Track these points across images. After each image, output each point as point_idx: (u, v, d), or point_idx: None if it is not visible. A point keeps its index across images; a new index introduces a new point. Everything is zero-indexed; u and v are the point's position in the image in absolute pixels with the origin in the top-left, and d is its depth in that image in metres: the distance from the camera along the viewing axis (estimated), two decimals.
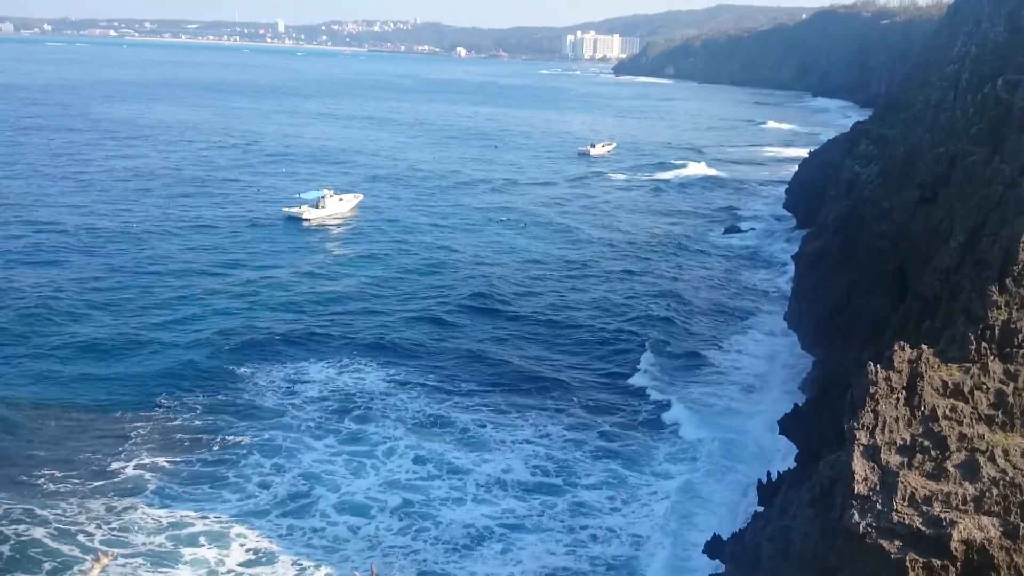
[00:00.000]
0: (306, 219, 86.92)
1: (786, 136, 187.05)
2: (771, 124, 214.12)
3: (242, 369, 49.65)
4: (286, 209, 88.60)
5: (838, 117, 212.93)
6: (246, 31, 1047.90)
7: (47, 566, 30.92)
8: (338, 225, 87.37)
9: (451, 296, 65.24)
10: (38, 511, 34.16)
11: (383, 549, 33.50)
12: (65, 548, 31.91)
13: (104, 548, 30.53)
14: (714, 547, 28.95)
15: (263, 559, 32.41)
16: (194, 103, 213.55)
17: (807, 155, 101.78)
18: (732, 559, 26.33)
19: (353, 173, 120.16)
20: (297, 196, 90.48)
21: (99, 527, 33.42)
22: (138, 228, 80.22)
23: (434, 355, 53.74)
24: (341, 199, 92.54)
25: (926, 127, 46.65)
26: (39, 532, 32.79)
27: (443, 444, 41.89)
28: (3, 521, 33.27)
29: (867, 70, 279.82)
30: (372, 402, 46.16)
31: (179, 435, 41.68)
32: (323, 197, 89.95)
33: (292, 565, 32.11)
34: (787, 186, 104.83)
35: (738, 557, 25.74)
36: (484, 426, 44.08)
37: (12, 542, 32.08)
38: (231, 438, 41.40)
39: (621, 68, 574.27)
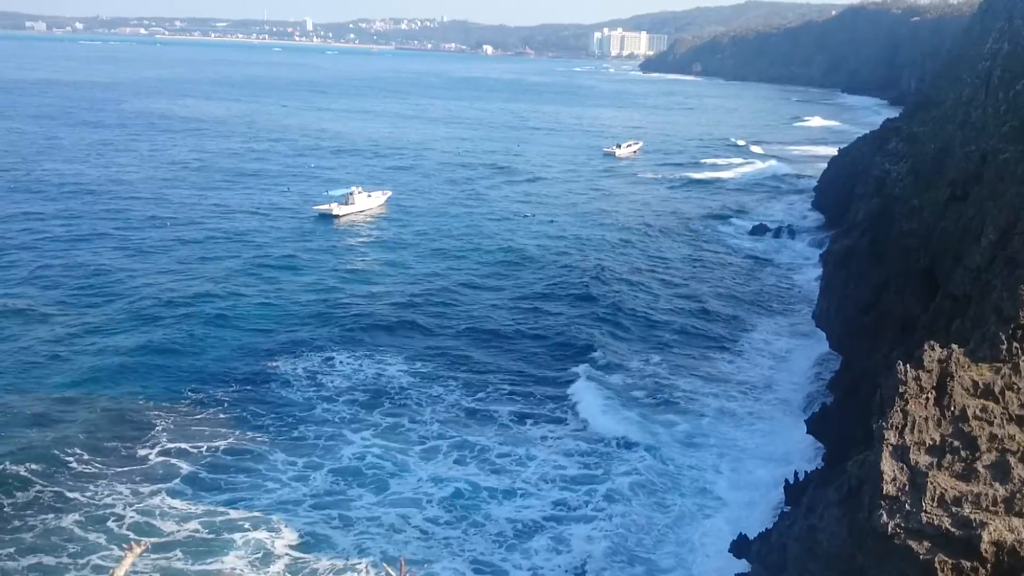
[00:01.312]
0: (336, 216, 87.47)
1: (815, 134, 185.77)
2: (801, 123, 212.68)
3: (275, 363, 50.12)
4: (316, 207, 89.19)
5: (868, 114, 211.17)
6: (275, 29, 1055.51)
7: (76, 552, 31.57)
8: (367, 222, 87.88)
9: (481, 291, 65.81)
10: (69, 497, 34.91)
11: (433, 541, 33.87)
12: (94, 536, 32.52)
13: (136, 538, 30.86)
14: (740, 546, 28.90)
15: (300, 552, 32.76)
16: (235, 99, 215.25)
17: (836, 153, 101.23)
18: (758, 558, 26.27)
19: (382, 170, 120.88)
20: (326, 194, 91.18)
21: (129, 516, 33.94)
22: (171, 223, 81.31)
23: (466, 348, 54.12)
24: (370, 196, 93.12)
25: (957, 124, 46.19)
26: (69, 519, 33.48)
27: (483, 437, 42.34)
28: (34, 507, 33.99)
29: (897, 67, 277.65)
30: (407, 395, 46.62)
31: (212, 427, 42.16)
32: (352, 194, 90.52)
33: (334, 558, 32.42)
34: (816, 184, 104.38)
35: (764, 557, 25.68)
36: (523, 420, 44.40)
37: (41, 528, 32.77)
38: (265, 430, 41.96)
39: (648, 65, 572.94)
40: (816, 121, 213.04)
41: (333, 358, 51.42)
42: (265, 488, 36.97)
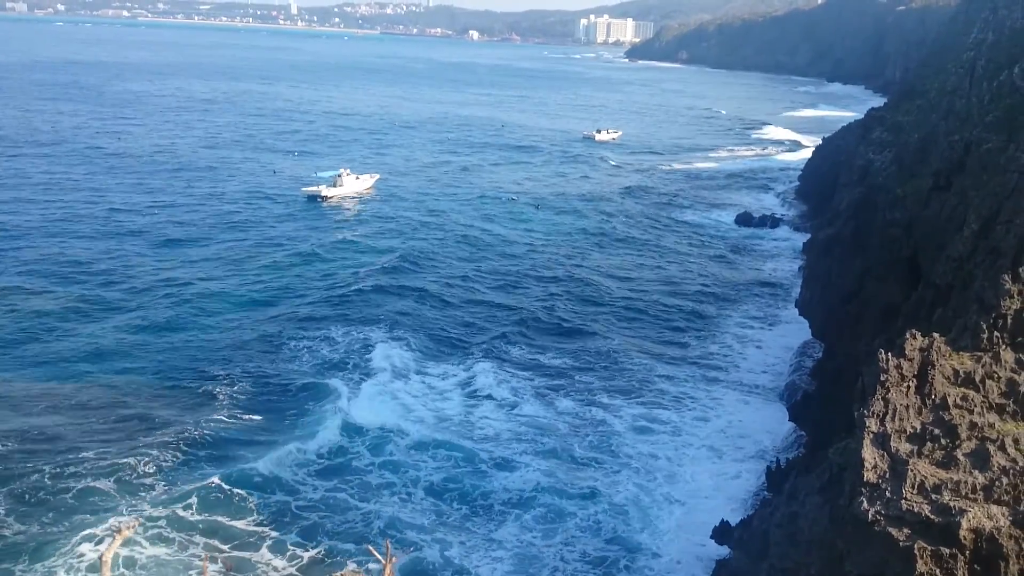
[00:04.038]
0: (324, 197, 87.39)
1: (799, 123, 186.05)
2: (786, 112, 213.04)
3: (266, 338, 50.94)
4: (304, 188, 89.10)
5: (853, 103, 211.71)
6: (259, 12, 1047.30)
7: (67, 530, 31.73)
8: (355, 203, 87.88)
9: (466, 269, 67.03)
10: (65, 476, 35.20)
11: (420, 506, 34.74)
12: (85, 517, 32.66)
13: (126, 519, 30.94)
14: (722, 532, 29.06)
15: (298, 527, 33.31)
16: (217, 84, 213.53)
17: (820, 142, 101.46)
18: (740, 544, 26.43)
19: (371, 153, 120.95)
20: (315, 175, 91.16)
21: (122, 496, 34.13)
22: (160, 207, 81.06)
23: (451, 326, 54.90)
24: (359, 178, 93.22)
25: (941, 114, 46.38)
26: (61, 499, 33.75)
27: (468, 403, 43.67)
28: (31, 487, 34.25)
29: (882, 56, 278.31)
30: (404, 380, 47.09)
31: (210, 400, 42.85)
32: (340, 176, 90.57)
33: (325, 533, 32.68)
34: (800, 173, 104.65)
35: (746, 543, 25.84)
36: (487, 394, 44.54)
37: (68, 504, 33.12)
38: (264, 401, 42.69)
39: (634, 52, 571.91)
40: (800, 111, 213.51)
41: (328, 330, 52.60)
42: (261, 459, 37.28)
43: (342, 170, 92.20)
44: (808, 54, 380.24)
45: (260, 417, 41.63)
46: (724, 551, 29.52)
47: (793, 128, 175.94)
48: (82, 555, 30.28)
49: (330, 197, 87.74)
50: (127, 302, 56.28)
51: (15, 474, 35.05)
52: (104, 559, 5.03)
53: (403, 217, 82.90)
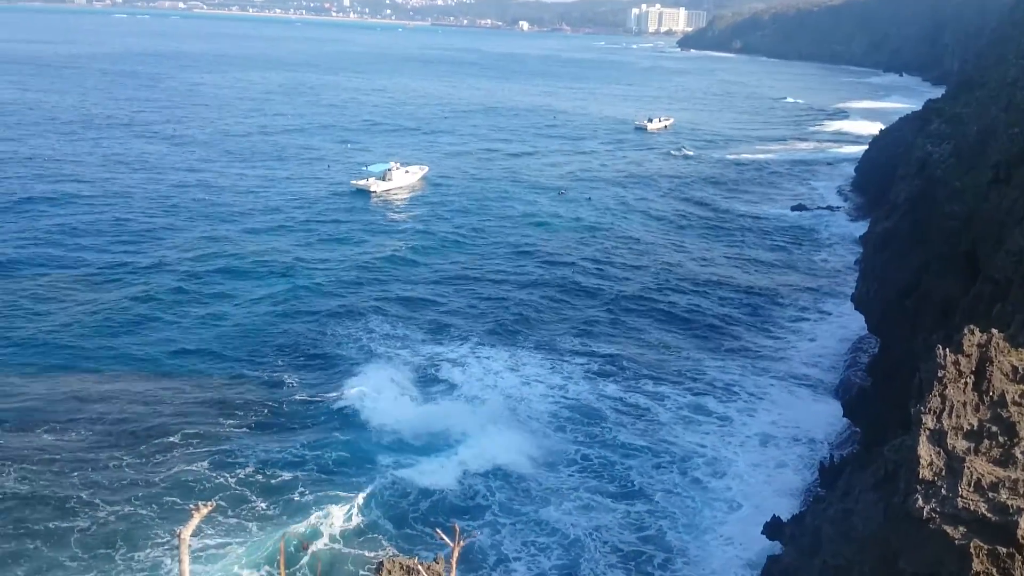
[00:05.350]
0: (373, 191, 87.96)
1: (855, 114, 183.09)
2: (842, 102, 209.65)
3: (316, 329, 51.71)
4: (354, 182, 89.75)
5: (910, 95, 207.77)
6: (312, 4, 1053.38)
7: (152, 508, 32.97)
8: (404, 197, 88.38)
9: (514, 262, 67.17)
10: (147, 457, 36.66)
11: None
12: (166, 497, 33.87)
13: (203, 500, 31.88)
14: (774, 528, 28.97)
15: (356, 513, 33.93)
16: (272, 75, 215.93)
17: (877, 133, 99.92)
18: (792, 541, 26.35)
19: (420, 143, 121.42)
20: (365, 169, 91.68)
21: (200, 477, 35.22)
22: (210, 196, 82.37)
23: (498, 316, 55.28)
24: (407, 171, 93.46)
25: (1001, 106, 45.46)
26: (149, 479, 34.94)
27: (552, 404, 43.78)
28: (145, 470, 35.59)
29: (940, 46, 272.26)
30: (460, 368, 47.66)
31: (260, 389, 43.88)
32: (389, 169, 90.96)
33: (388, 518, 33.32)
34: (857, 164, 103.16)
35: (798, 539, 25.74)
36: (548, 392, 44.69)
37: (117, 489, 33.85)
38: (314, 389, 43.38)
39: (687, 42, 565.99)
40: (856, 101, 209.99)
41: (370, 325, 52.86)
42: (315, 443, 38.43)
43: (392, 163, 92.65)
44: (864, 44, 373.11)
45: (321, 400, 42.68)
46: (774, 546, 29.44)
47: (849, 119, 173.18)
48: (169, 537, 31.41)
49: (379, 191, 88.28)
50: (181, 289, 57.62)
51: (101, 459, 36.35)
52: (182, 536, 5.30)
53: (451, 210, 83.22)
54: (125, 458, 36.55)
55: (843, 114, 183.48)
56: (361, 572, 29.70)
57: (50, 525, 31.76)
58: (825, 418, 43.16)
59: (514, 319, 55.29)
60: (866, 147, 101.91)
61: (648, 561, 32.31)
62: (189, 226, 72.51)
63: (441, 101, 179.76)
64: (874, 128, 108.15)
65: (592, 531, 33.72)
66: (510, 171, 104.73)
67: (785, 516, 29.32)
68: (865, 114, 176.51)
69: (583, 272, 65.43)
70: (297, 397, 43.00)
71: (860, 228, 74.07)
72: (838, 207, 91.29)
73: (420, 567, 13.01)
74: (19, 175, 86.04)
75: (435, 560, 14.36)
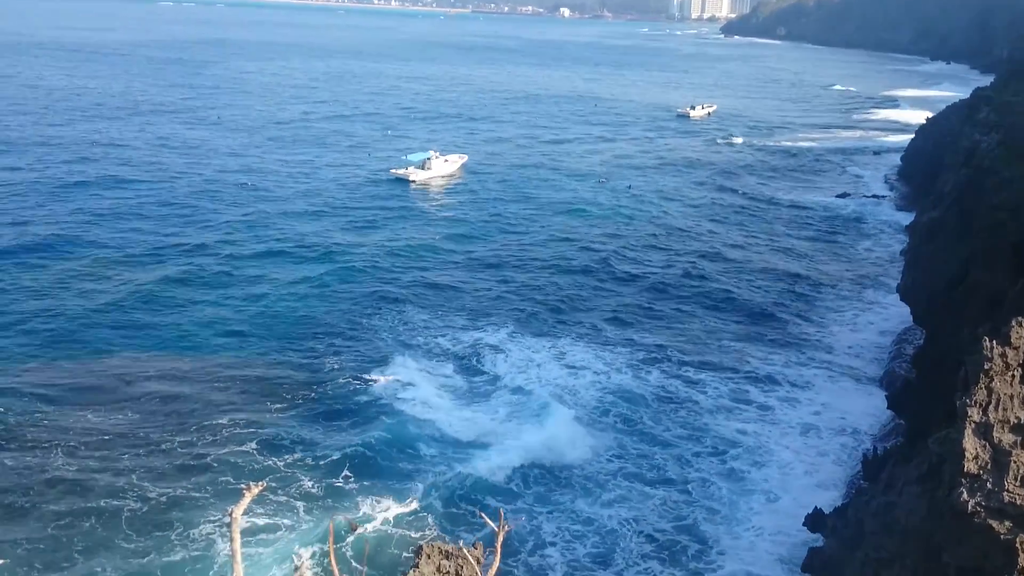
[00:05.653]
0: (413, 180, 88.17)
1: (902, 102, 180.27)
2: (888, 90, 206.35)
3: (364, 320, 51.96)
4: (394, 171, 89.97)
5: (958, 82, 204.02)
6: None
7: (203, 497, 33.49)
8: (444, 185, 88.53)
9: (554, 251, 67.07)
10: (199, 439, 37.36)
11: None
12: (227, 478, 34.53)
13: (253, 481, 32.58)
14: (815, 520, 28.80)
15: (408, 497, 34.43)
16: (316, 63, 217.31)
17: (924, 122, 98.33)
18: (834, 533, 26.18)
19: (460, 131, 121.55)
20: (404, 158, 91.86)
21: (250, 465, 35.70)
22: (253, 180, 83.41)
23: (548, 314, 54.85)
24: (447, 160, 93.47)
25: None
26: (194, 461, 35.56)
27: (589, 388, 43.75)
28: (196, 451, 36.35)
29: (989, 33, 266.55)
30: (500, 355, 47.82)
31: (304, 373, 44.42)
32: (429, 158, 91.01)
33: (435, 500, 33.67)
34: (903, 153, 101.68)
35: (840, 531, 25.58)
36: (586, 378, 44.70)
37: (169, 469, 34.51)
38: (356, 373, 43.77)
39: (730, 28, 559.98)
40: (902, 89, 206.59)
41: (409, 311, 53.34)
42: (358, 428, 39.08)
43: (431, 152, 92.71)
44: (911, 31, 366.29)
45: (362, 385, 43.13)
46: (811, 539, 29.27)
47: (895, 107, 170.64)
48: (220, 516, 32.10)
49: (418, 180, 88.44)
50: (224, 271, 58.69)
51: (150, 439, 37.20)
52: (234, 516, 5.42)
53: (490, 198, 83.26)
54: (174, 438, 37.29)
55: (892, 102, 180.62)
56: (404, 554, 30.00)
57: (102, 503, 32.51)
58: (868, 409, 42.75)
59: (554, 306, 55.43)
60: (912, 136, 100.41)
61: (683, 551, 32.28)
62: (231, 209, 73.55)
63: (481, 88, 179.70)
64: (923, 117, 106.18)
65: (628, 519, 33.83)
66: (550, 158, 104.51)
67: (825, 508, 29.14)
68: (914, 102, 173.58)
69: (623, 259, 65.32)
70: (339, 381, 43.43)
71: (906, 218, 73.07)
72: (884, 196, 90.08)
73: (466, 551, 13.12)
74: (68, 159, 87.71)
75: (474, 545, 14.48)
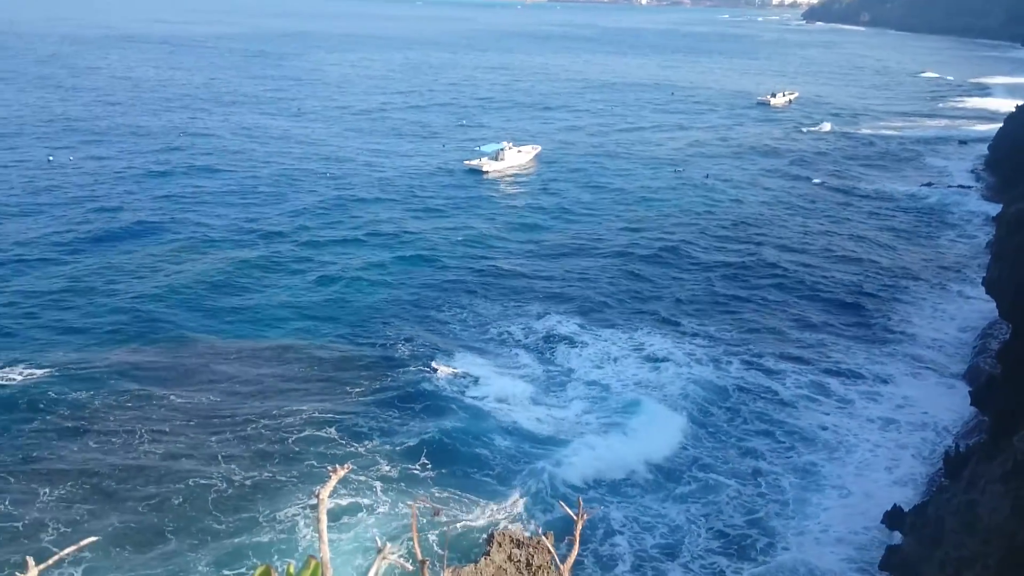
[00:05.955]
0: (486, 171, 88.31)
1: (991, 91, 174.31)
2: (975, 78, 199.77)
3: (437, 309, 52.43)
4: (467, 162, 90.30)
5: None
6: None
7: (287, 480, 34.34)
8: (517, 177, 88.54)
9: (627, 241, 66.75)
10: (288, 424, 38.21)
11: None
12: (309, 461, 35.35)
13: (338, 463, 33.28)
14: (894, 518, 28.20)
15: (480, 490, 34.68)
16: (393, 54, 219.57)
17: (1014, 110, 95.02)
18: (913, 531, 25.60)
19: (535, 121, 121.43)
20: (478, 149, 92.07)
21: (333, 449, 36.45)
22: (328, 172, 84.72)
23: (624, 305, 54.60)
24: (520, 151, 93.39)
25: None
26: (283, 443, 36.62)
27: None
28: (279, 435, 37.28)
29: None
30: (576, 348, 47.56)
31: (378, 358, 45.15)
32: (502, 149, 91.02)
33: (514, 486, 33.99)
34: (991, 143, 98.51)
35: (919, 529, 24.99)
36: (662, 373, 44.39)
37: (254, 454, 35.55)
38: (433, 378, 43.94)
39: (812, 14, 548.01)
40: (991, 76, 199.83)
41: (481, 301, 53.57)
42: (435, 415, 39.50)
43: (505, 143, 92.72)
44: (1001, 16, 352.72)
45: (437, 374, 43.64)
46: (886, 536, 28.67)
47: (984, 95, 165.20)
48: (304, 498, 32.96)
49: (491, 171, 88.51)
50: (303, 258, 60.05)
51: (235, 421, 38.20)
52: (320, 497, 5.54)
53: (563, 188, 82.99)
54: (257, 421, 38.16)
55: (982, 90, 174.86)
56: (481, 539, 30.30)
57: (190, 483, 33.48)
58: (951, 405, 41.68)
59: (630, 296, 55.25)
60: (1001, 124, 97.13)
61: (751, 545, 31.96)
62: (309, 197, 75.09)
63: (557, 77, 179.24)
64: (1013, 105, 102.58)
65: (698, 512, 33.62)
66: (625, 147, 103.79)
67: (902, 505, 28.50)
68: (1006, 90, 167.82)
69: (701, 249, 64.69)
70: (411, 368, 43.85)
71: (993, 208, 70.79)
72: (970, 186, 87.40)
73: (541, 539, 13.18)
74: (155, 148, 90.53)
75: (544, 535, 14.54)
